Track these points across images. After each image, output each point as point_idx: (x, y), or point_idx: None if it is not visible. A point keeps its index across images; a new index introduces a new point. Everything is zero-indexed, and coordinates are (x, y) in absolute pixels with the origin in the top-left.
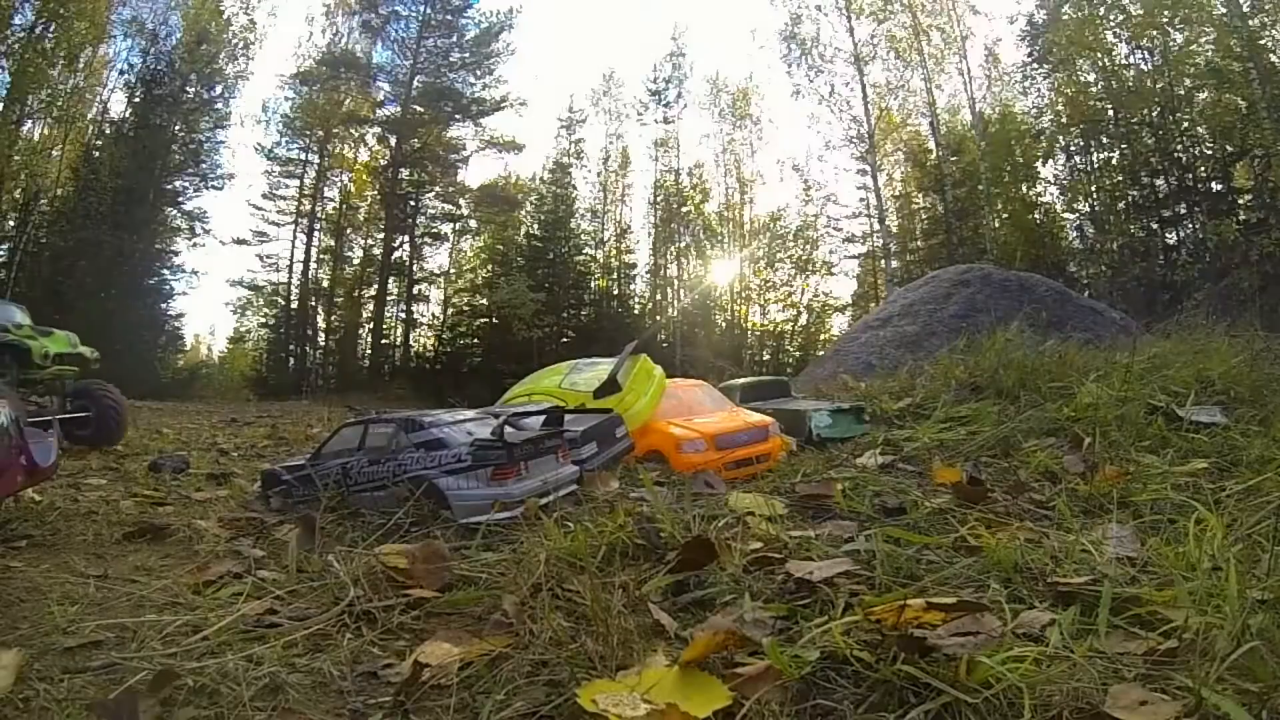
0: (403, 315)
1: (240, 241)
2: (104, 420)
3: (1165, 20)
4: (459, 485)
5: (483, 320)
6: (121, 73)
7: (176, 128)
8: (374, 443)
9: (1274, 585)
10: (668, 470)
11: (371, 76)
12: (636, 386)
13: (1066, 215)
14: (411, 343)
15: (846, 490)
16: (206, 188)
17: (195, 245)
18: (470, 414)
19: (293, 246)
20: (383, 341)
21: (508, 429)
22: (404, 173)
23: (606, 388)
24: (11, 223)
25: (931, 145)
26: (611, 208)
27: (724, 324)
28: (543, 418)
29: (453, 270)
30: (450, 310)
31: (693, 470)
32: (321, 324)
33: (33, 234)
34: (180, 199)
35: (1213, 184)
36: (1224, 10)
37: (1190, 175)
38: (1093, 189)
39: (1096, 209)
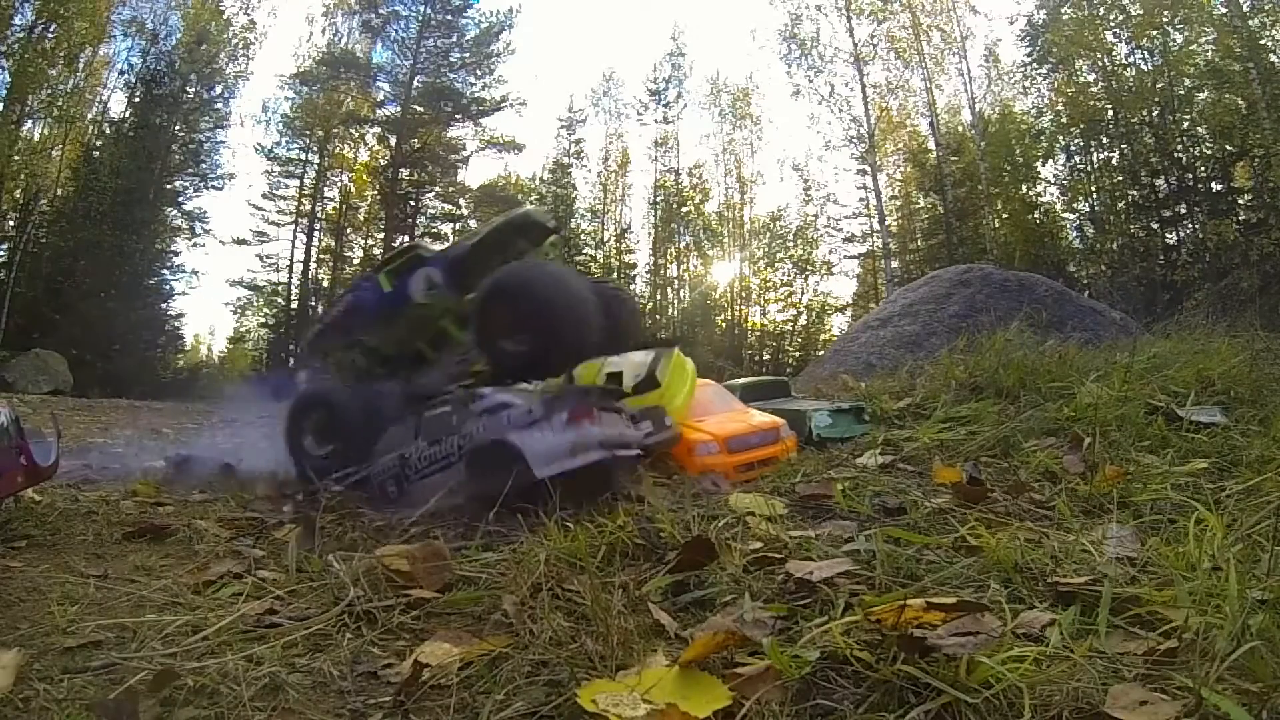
0: None
1: (240, 241)
2: None
3: (1165, 20)
4: (533, 436)
5: None
6: (121, 73)
7: (176, 128)
8: (430, 428)
9: (1274, 585)
10: (670, 469)
11: (371, 76)
12: (674, 382)
13: (1066, 215)
14: None
15: (846, 490)
16: (206, 188)
17: (195, 245)
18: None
19: (293, 246)
20: None
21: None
22: (404, 173)
23: (646, 384)
24: (11, 223)
25: (931, 145)
26: (611, 208)
27: (724, 324)
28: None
29: None
30: None
31: (703, 471)
32: None
33: (33, 234)
34: (180, 199)
35: (1213, 184)
36: (1224, 10)
37: (1190, 175)
38: (1093, 189)
39: (1096, 209)
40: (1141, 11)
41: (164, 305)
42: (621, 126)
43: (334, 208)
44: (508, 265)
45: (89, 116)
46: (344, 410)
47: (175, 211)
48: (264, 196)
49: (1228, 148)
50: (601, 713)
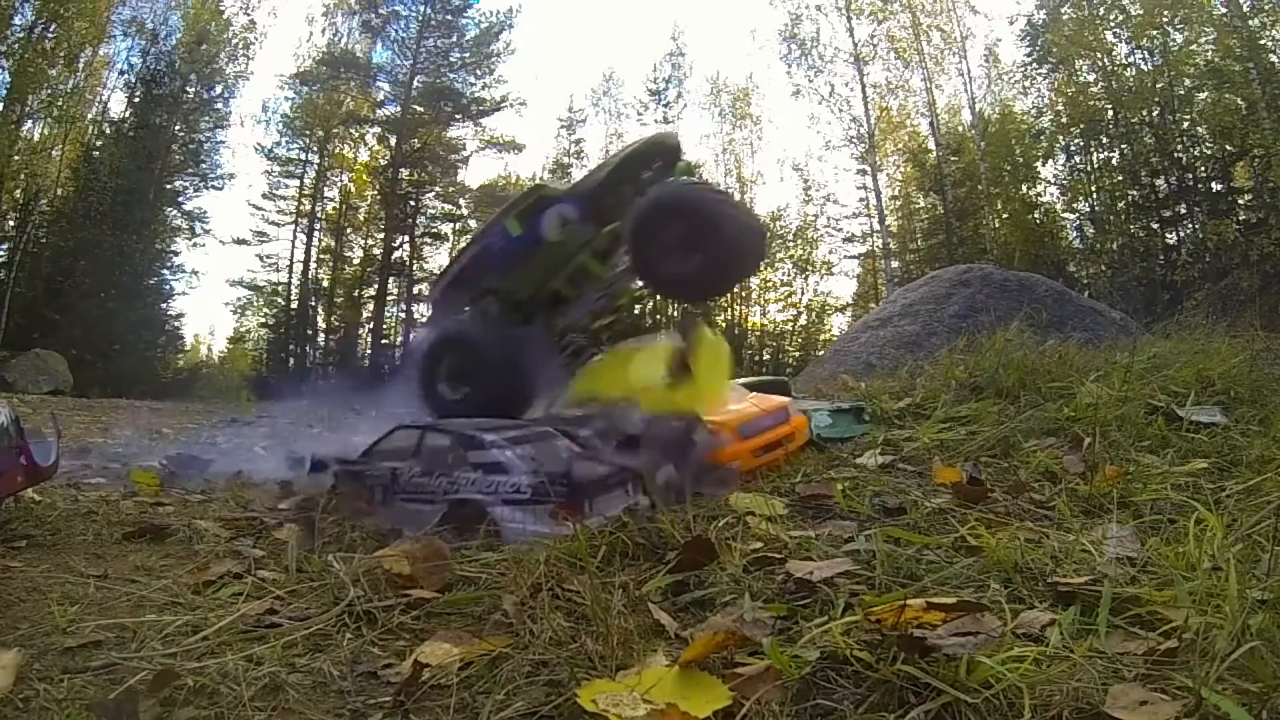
0: (403, 315)
1: (240, 241)
2: None
3: (1165, 20)
4: (515, 517)
5: None
6: (121, 73)
7: (176, 128)
8: (429, 453)
9: (1274, 585)
10: None
11: (371, 76)
12: (706, 367)
13: (1066, 215)
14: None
15: (846, 490)
16: (206, 188)
17: (195, 245)
18: (531, 428)
19: (293, 246)
20: (383, 341)
21: (576, 466)
22: (404, 173)
23: (677, 374)
24: (11, 223)
25: (931, 145)
26: None
27: (724, 324)
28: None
29: None
30: None
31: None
32: (321, 324)
33: (33, 234)
34: (180, 199)
35: (1213, 184)
36: (1224, 10)
37: (1190, 175)
38: (1093, 189)
39: (1096, 209)
40: (1141, 11)
41: (164, 305)
42: (621, 126)
43: (334, 208)
44: (663, 184)
45: (89, 116)
46: (482, 349)
47: (175, 211)
48: (264, 196)
49: (1228, 148)
50: (601, 713)
